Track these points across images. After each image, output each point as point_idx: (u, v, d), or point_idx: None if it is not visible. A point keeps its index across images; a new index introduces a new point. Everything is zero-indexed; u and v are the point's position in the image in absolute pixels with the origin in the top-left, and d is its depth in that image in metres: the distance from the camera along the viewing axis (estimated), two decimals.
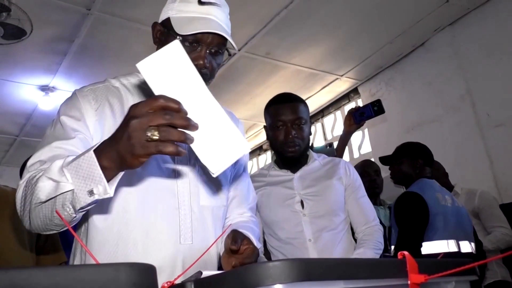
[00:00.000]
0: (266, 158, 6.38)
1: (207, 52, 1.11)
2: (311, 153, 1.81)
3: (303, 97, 1.85)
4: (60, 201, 0.85)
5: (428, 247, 2.10)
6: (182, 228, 1.12)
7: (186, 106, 0.77)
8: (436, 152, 3.65)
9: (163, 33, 1.15)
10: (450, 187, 3.05)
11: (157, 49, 1.14)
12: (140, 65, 0.77)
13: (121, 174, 0.83)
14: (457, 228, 2.18)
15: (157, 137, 0.74)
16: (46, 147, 1.01)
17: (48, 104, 4.35)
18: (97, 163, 0.80)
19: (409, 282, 0.63)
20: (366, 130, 4.72)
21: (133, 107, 0.77)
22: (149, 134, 0.74)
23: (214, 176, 0.80)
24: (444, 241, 2.10)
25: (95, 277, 0.41)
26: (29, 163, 1.00)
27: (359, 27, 3.73)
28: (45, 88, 4.17)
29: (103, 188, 0.80)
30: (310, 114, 5.18)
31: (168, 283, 0.64)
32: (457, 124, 3.79)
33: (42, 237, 1.74)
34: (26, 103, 4.41)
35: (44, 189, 0.86)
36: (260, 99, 4.91)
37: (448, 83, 3.88)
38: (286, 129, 1.68)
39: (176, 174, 1.15)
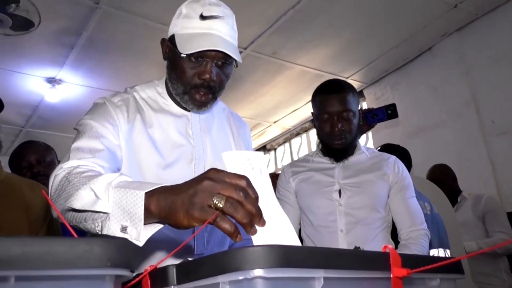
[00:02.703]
0: (269, 157, 6.37)
1: (213, 65, 1.13)
2: (359, 145, 1.72)
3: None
4: (91, 214, 0.81)
5: None
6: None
7: None
8: (438, 157, 3.64)
9: (171, 49, 1.18)
10: (457, 192, 3.06)
11: (167, 64, 1.21)
12: (224, 155, 0.78)
13: (159, 226, 0.77)
14: (434, 235, 2.17)
15: (221, 206, 0.68)
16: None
17: (54, 96, 4.37)
18: (142, 206, 0.74)
19: (391, 275, 0.63)
20: (370, 133, 4.71)
21: (213, 170, 0.72)
22: (215, 200, 0.69)
23: None
24: None
25: (68, 250, 0.41)
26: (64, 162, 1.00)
27: (365, 29, 3.72)
28: (51, 80, 4.20)
29: (137, 234, 0.74)
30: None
31: (151, 266, 0.65)
32: (460, 130, 3.77)
33: (45, 228, 1.75)
34: (32, 94, 4.43)
35: (83, 198, 0.81)
36: (265, 99, 4.90)
37: (453, 89, 3.86)
38: (332, 122, 1.60)
39: None
